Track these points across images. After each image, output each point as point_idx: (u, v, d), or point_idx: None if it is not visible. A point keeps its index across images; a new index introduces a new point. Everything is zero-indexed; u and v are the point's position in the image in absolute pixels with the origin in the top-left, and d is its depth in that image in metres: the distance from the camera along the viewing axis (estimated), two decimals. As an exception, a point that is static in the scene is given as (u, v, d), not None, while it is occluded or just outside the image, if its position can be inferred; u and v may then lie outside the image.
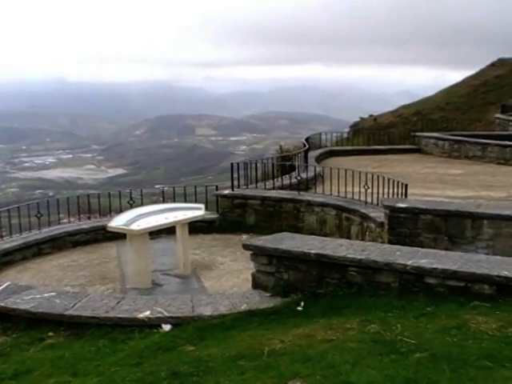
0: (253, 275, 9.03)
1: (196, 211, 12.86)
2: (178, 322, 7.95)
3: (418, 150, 26.59)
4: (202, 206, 13.45)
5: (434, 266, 7.53)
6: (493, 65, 76.23)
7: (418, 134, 28.09)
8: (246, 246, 9.04)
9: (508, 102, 46.93)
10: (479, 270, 7.40)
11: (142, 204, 14.91)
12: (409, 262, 7.69)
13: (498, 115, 36.99)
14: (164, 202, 15.64)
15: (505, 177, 19.56)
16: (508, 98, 56.05)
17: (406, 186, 13.07)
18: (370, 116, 70.78)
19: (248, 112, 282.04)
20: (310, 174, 17.38)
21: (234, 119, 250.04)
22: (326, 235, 13.49)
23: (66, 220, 16.07)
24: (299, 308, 7.96)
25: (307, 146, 20.90)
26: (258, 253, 8.83)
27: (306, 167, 18.01)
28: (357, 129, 52.49)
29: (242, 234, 14.90)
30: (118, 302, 8.60)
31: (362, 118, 70.87)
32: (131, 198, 15.12)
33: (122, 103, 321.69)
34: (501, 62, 75.21)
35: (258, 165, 17.42)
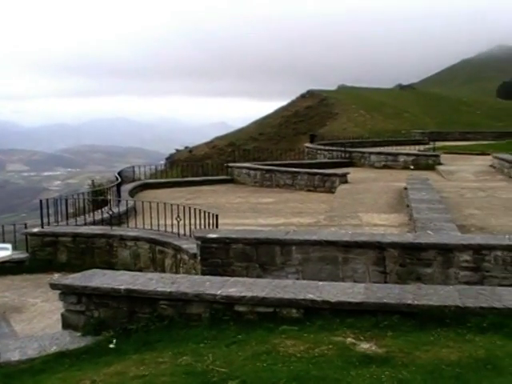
0: (62, 315, 8.75)
1: (2, 252, 12.30)
2: (-18, 371, 7.52)
3: (232, 181, 27.09)
4: (9, 245, 12.90)
5: (242, 294, 7.66)
6: (303, 96, 79.97)
7: (231, 164, 28.66)
8: (53, 286, 8.78)
9: (316, 132, 49.26)
10: (286, 295, 7.62)
11: None
12: (218, 292, 7.77)
13: (308, 144, 38.67)
14: (-30, 243, 14.82)
15: (314, 203, 20.33)
16: (317, 128, 58.90)
17: (217, 216, 13.26)
18: (186, 148, 71.65)
19: (61, 146, 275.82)
20: (123, 208, 17.22)
21: (47, 153, 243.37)
22: (140, 270, 13.39)
23: None
24: (111, 345, 7.81)
25: (120, 180, 20.73)
26: (66, 292, 8.59)
27: (119, 201, 17.80)
28: (173, 161, 52.87)
29: (54, 272, 14.38)
30: None
31: (177, 150, 71.52)
32: None
33: None
34: (310, 94, 79.07)
35: (70, 200, 16.98)
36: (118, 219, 16.28)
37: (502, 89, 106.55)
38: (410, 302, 7.28)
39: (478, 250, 9.94)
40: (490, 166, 26.59)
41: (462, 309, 7.11)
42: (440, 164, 27.91)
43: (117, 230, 15.18)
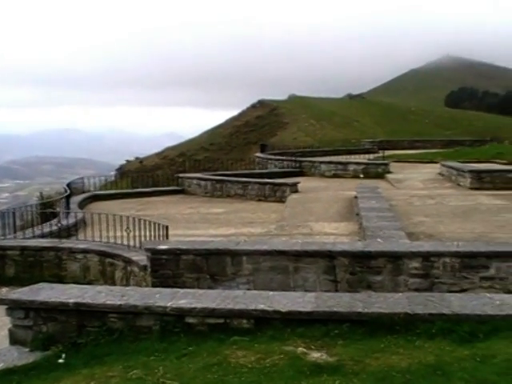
0: (10, 331, 8.56)
1: None
2: None
3: (183, 191, 26.95)
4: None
5: (193, 306, 7.62)
6: (253, 106, 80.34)
7: (181, 175, 28.53)
8: (0, 301, 8.60)
9: (267, 142, 49.49)
10: (237, 306, 7.60)
11: None
12: (168, 304, 7.72)
13: (258, 154, 38.78)
14: None
15: (265, 213, 20.34)
16: (268, 138, 59.24)
17: (167, 227, 13.19)
18: (136, 158, 71.28)
19: (9, 157, 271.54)
20: (72, 220, 17.00)
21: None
22: (90, 282, 13.21)
23: None
24: (60, 360, 7.67)
25: (69, 192, 20.49)
26: (13, 306, 8.42)
27: (68, 213, 17.58)
28: (123, 172, 52.52)
29: (2, 287, 14.09)
30: None
31: (128, 161, 71.09)
32: None
33: None
34: (261, 104, 79.51)
35: (18, 213, 16.72)
36: (67, 232, 16.07)
37: (450, 98, 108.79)
38: (360, 310, 7.33)
39: (426, 257, 10.08)
40: (439, 173, 26.98)
41: (412, 316, 7.18)
42: (389, 172, 28.22)
43: (66, 243, 14.97)
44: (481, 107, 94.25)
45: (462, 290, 9.77)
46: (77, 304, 8.06)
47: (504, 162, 29.33)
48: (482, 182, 22.11)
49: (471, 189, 21.76)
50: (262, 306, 7.53)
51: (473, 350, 6.36)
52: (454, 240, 11.57)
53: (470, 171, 22.61)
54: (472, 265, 9.99)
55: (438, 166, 28.24)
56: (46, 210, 18.33)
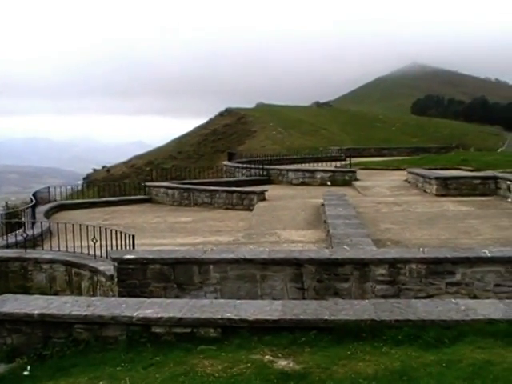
0: (-27, 343, 8.45)
1: None
2: None
3: (150, 200, 26.78)
4: None
5: (159, 315, 7.60)
6: (221, 114, 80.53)
7: (148, 184, 28.35)
8: (-38, 313, 8.48)
9: (235, 150, 49.54)
10: (203, 315, 7.60)
11: None
12: (135, 314, 7.69)
13: (226, 162, 38.74)
14: None
15: (232, 221, 20.29)
16: (236, 146, 59.38)
17: (133, 236, 13.06)
18: (104, 167, 70.98)
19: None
20: (38, 230, 16.78)
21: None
22: (56, 293, 13.11)
23: None
24: (25, 373, 7.59)
25: (34, 201, 20.27)
26: (-23, 318, 8.30)
27: (33, 223, 17.38)
28: (90, 181, 52.24)
29: (-34, 300, 13.89)
30: None
31: (95, 170, 70.78)
32: None
33: None
34: (228, 112, 79.69)
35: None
36: (33, 242, 15.86)
37: (416, 105, 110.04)
38: (326, 317, 7.36)
39: (393, 263, 10.14)
40: (405, 180, 27.16)
41: (378, 322, 7.23)
42: (356, 180, 28.32)
43: (31, 253, 14.80)
44: (447, 114, 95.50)
45: (429, 296, 9.84)
46: (42, 315, 7.99)
47: (469, 168, 29.65)
48: (448, 188, 22.33)
49: (437, 195, 21.96)
50: (228, 315, 7.54)
51: (439, 356, 6.42)
52: (420, 246, 11.65)
53: (436, 178, 22.82)
54: (438, 271, 10.07)
55: (404, 173, 28.42)
56: (12, 219, 18.12)
